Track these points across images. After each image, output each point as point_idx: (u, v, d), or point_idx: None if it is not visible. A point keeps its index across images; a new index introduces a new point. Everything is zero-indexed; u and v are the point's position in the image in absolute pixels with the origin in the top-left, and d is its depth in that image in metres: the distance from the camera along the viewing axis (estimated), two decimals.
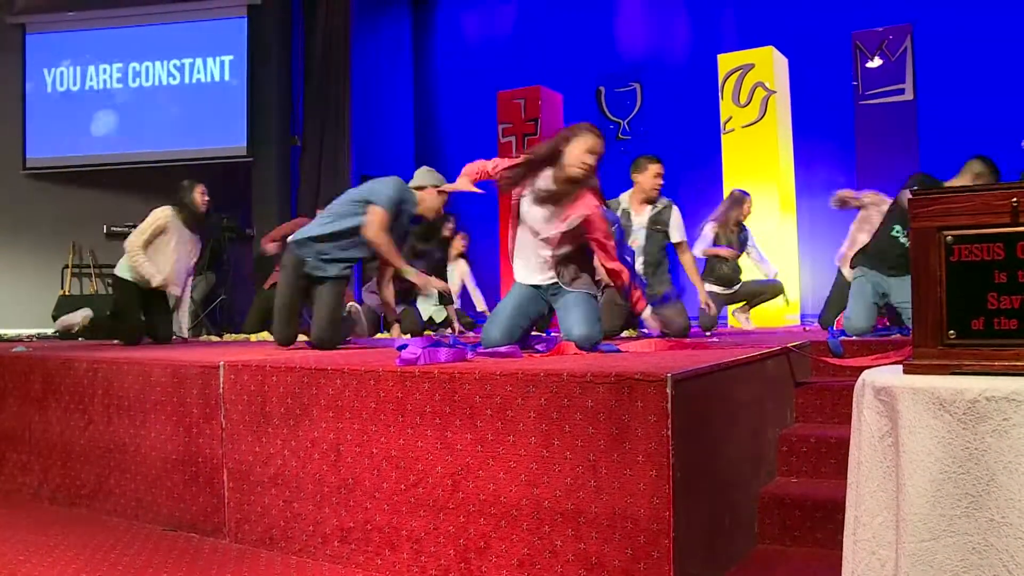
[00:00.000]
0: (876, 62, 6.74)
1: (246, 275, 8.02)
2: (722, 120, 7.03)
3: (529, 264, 3.43)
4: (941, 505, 1.38)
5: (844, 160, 7.20)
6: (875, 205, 5.20)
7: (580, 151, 3.21)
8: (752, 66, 6.89)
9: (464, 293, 7.29)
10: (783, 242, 6.97)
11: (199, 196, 5.11)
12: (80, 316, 5.32)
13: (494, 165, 3.45)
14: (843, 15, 7.33)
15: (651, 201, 4.77)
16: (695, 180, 7.70)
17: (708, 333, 4.84)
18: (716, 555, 2.29)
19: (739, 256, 5.91)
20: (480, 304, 7.24)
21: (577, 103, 8.72)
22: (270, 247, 6.19)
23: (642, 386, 2.03)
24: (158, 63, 8.94)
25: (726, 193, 6.72)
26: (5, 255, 8.92)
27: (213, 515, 2.89)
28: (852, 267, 4.47)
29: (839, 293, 5.21)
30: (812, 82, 7.44)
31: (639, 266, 4.70)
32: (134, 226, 5.08)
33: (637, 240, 4.78)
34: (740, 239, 5.91)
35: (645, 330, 4.36)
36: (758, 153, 6.98)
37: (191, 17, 8.88)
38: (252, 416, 2.79)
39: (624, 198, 4.88)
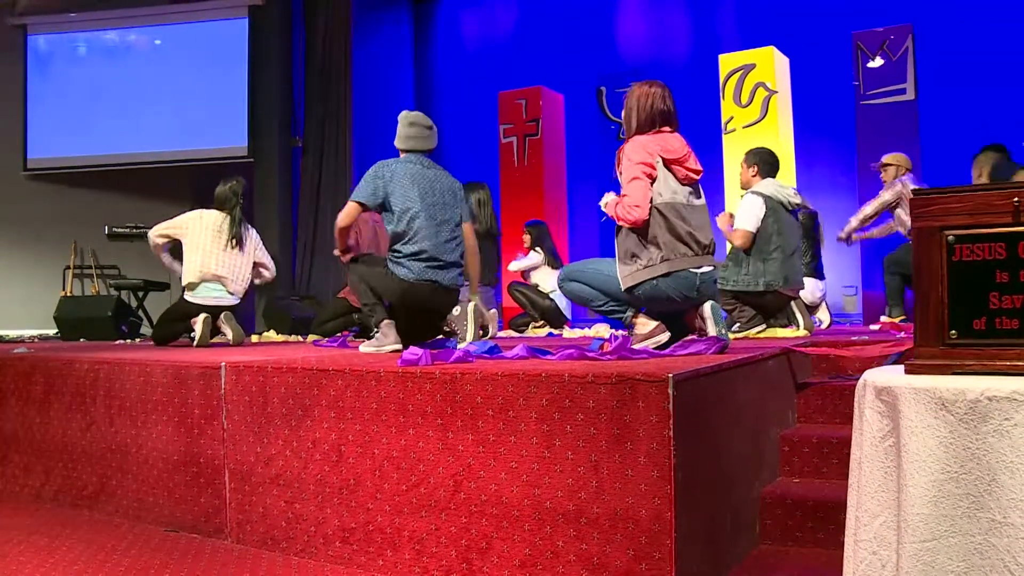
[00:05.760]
0: (877, 62, 6.73)
1: None
2: (723, 120, 7.01)
3: None
4: (942, 505, 1.38)
5: (845, 160, 7.19)
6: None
7: None
8: (753, 66, 6.88)
9: None
10: None
11: None
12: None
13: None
14: (844, 15, 7.33)
15: None
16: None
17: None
18: (718, 555, 2.28)
19: None
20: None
21: (578, 103, 8.71)
22: None
23: (644, 387, 2.03)
24: (159, 64, 8.95)
25: (727, 194, 6.71)
26: (6, 256, 8.93)
27: (215, 516, 2.89)
28: None
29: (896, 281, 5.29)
30: (813, 82, 7.43)
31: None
32: (135, 227, 4.93)
33: None
34: None
35: None
36: None
37: (192, 18, 8.89)
38: (254, 417, 2.79)
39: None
